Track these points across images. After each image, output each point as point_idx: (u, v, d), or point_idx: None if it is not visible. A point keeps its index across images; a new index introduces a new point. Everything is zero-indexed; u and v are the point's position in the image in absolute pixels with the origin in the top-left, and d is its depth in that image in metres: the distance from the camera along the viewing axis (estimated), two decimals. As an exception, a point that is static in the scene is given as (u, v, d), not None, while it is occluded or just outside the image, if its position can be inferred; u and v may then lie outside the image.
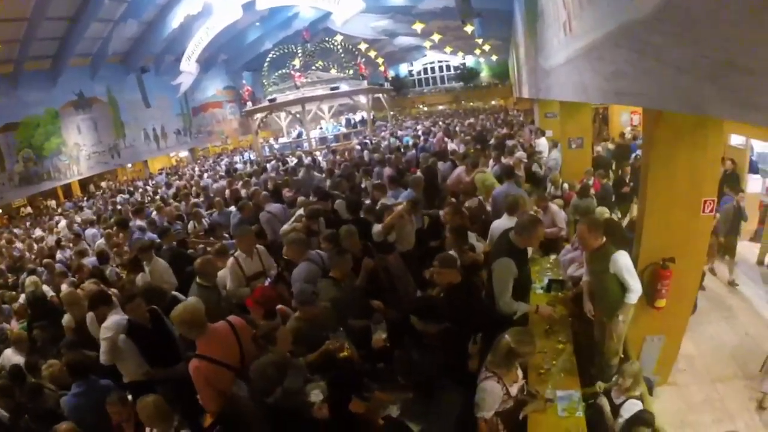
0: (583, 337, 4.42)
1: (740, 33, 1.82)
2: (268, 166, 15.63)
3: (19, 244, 11.93)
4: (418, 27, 23.76)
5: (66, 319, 5.33)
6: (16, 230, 15.69)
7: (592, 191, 7.50)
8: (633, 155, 10.46)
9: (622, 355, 4.12)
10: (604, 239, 3.89)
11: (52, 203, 22.01)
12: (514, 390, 3.13)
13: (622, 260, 3.79)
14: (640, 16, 2.82)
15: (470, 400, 3.07)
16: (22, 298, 7.12)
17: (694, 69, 2.26)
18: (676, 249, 4.02)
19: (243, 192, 10.07)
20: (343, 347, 3.67)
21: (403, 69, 47.07)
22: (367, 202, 6.97)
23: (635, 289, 3.81)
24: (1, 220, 20.80)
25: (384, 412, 3.30)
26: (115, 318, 4.24)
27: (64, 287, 6.37)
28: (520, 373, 3.25)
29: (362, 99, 23.96)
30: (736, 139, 9.19)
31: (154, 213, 9.24)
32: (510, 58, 25.75)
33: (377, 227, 5.74)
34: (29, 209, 21.82)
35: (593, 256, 4.00)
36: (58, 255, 8.90)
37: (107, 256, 7.15)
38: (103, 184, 23.10)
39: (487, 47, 32.69)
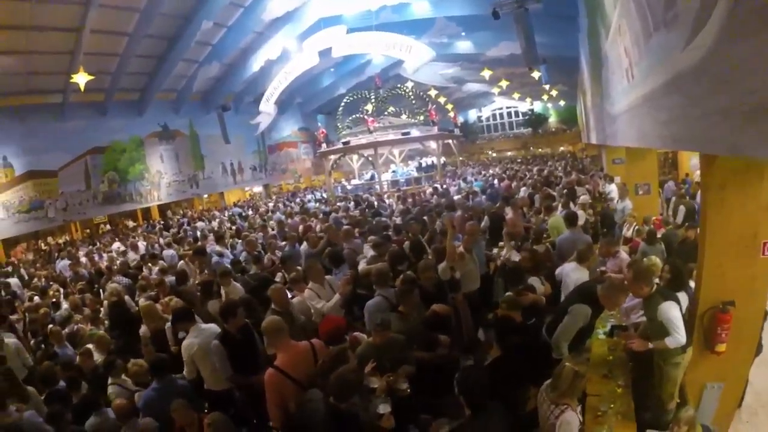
0: (641, 382, 4.37)
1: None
2: (339, 205, 16.32)
3: (104, 256, 13.02)
4: (486, 74, 24.11)
5: (143, 329, 5.91)
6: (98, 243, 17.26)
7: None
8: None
9: (678, 400, 4.04)
10: (654, 288, 4.02)
11: (130, 223, 23.89)
12: (580, 417, 3.31)
13: (667, 312, 3.87)
14: (688, 66, 2.97)
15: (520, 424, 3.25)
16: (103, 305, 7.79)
17: (734, 114, 2.40)
18: (736, 292, 3.96)
19: (318, 227, 10.68)
20: (403, 385, 3.86)
21: (472, 115, 47.67)
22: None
23: (676, 339, 3.86)
24: (82, 233, 22.77)
25: None
26: (204, 326, 4.88)
27: (141, 300, 6.89)
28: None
29: (432, 144, 24.50)
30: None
31: (239, 243, 10.09)
32: (578, 103, 25.53)
33: (442, 265, 6.00)
34: (108, 227, 23.84)
35: (645, 303, 4.12)
36: (144, 271, 9.68)
37: (187, 277, 7.67)
38: (184, 212, 24.76)
39: (554, 93, 32.67)
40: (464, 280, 6.06)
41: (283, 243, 9.60)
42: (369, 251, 7.25)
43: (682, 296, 4.28)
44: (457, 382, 3.18)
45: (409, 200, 14.57)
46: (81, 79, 14.84)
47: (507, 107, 46.40)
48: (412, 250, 6.94)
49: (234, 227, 14.56)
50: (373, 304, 5.10)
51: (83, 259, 13.46)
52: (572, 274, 5.32)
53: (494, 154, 44.36)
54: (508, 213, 9.34)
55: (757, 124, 2.16)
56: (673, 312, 3.88)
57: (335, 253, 7.18)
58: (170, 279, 7.89)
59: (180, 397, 4.02)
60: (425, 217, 10.09)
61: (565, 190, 11.11)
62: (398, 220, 10.33)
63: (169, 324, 5.55)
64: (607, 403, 3.94)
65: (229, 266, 7.63)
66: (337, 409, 3.21)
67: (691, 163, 15.18)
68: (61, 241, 21.57)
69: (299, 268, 7.27)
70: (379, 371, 3.82)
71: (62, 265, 13.48)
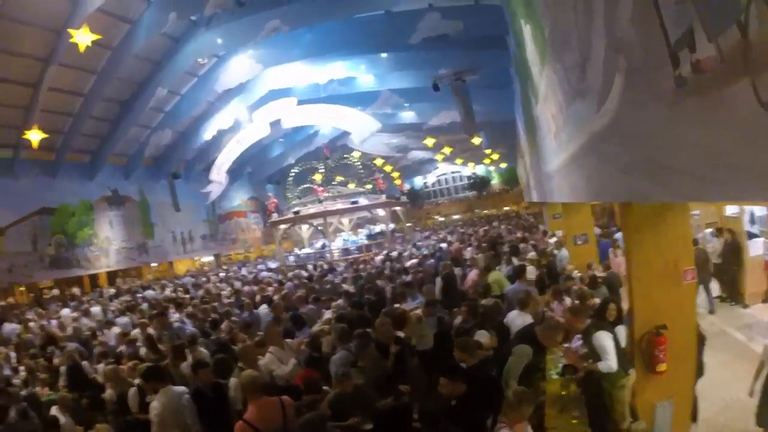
0: (595, 411, 4.76)
1: (660, 140, 2.55)
2: (291, 274, 16.52)
3: (53, 322, 12.45)
4: (429, 141, 25.46)
5: (108, 393, 5.87)
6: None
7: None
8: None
9: (631, 419, 4.47)
10: (588, 321, 4.66)
11: (77, 290, 22.08)
12: None
13: (598, 341, 4.48)
14: (598, 129, 3.61)
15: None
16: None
17: (635, 170, 3.00)
18: (666, 317, 4.52)
19: (275, 296, 10.84)
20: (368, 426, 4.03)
21: (418, 181, 49.23)
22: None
23: (607, 364, 4.43)
24: (26, 298, 21.16)
25: None
26: (176, 389, 4.73)
27: (101, 366, 6.90)
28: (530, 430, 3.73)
29: (381, 212, 25.17)
30: (730, 209, 9.73)
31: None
32: (518, 165, 27.20)
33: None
34: (55, 291, 22.02)
35: (583, 335, 4.75)
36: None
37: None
38: (133, 280, 23.80)
39: (495, 156, 34.66)
40: (419, 344, 6.34)
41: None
42: (327, 314, 7.66)
43: (620, 329, 4.85)
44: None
45: (361, 266, 15.02)
46: (34, 136, 14.71)
47: (451, 172, 48.41)
48: (371, 310, 7.35)
49: (188, 296, 14.41)
50: (338, 358, 5.37)
51: (32, 324, 12.78)
52: (516, 320, 5.89)
53: (441, 219, 45.69)
54: (457, 273, 9.89)
55: (649, 177, 2.75)
56: (605, 341, 4.44)
57: (296, 317, 7.48)
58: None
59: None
60: (378, 281, 10.53)
61: (508, 247, 11.85)
62: (351, 289, 10.70)
63: (134, 388, 5.50)
64: (564, 437, 4.28)
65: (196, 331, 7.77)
66: None
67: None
68: (3, 303, 19.93)
69: (260, 333, 7.44)
70: (350, 415, 4.04)
71: (9, 329, 12.59)
